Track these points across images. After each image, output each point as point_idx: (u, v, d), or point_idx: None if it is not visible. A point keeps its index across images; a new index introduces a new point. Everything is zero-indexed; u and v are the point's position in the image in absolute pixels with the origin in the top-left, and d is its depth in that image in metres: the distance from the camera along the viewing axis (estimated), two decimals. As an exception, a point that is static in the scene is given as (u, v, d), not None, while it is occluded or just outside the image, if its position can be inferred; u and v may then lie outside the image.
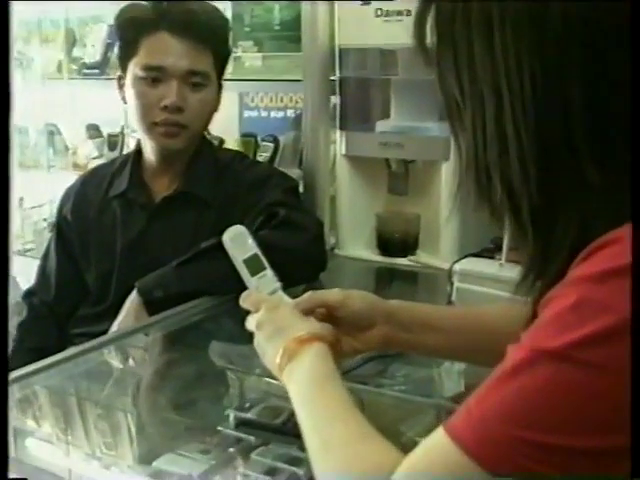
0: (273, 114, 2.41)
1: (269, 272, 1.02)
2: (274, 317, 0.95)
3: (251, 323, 0.96)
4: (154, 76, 1.64)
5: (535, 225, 0.71)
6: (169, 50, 1.64)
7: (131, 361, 1.49)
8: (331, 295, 1.01)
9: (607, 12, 0.66)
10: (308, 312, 0.98)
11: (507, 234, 1.05)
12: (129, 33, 1.67)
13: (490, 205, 0.74)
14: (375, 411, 1.14)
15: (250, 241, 1.03)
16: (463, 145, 0.75)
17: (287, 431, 0.90)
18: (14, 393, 1.19)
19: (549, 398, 0.60)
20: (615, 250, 0.62)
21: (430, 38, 0.75)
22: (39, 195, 2.82)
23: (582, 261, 0.64)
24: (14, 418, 1.14)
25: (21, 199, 2.87)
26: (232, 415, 1.00)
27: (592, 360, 0.59)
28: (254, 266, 1.01)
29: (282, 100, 2.37)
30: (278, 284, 1.03)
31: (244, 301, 1.00)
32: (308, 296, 1.00)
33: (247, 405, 1.02)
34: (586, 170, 0.67)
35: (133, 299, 1.52)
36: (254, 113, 2.44)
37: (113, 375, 1.39)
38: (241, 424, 0.99)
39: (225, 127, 2.31)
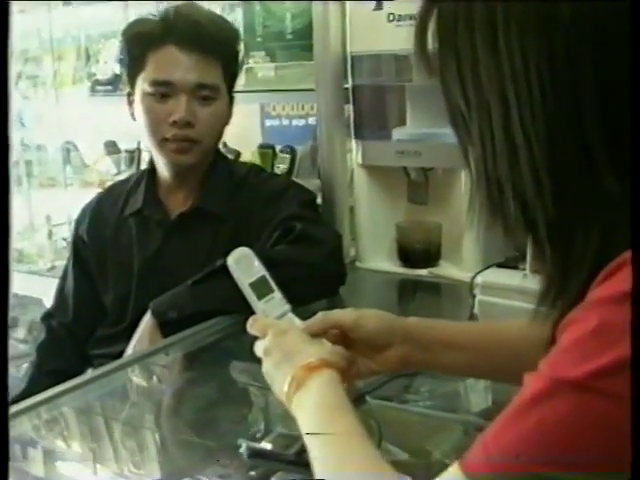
0: (295, 122, 2.39)
1: (277, 294, 0.99)
2: (282, 343, 0.91)
3: (259, 349, 0.93)
4: (162, 91, 1.61)
5: (552, 241, 0.67)
6: (177, 64, 1.61)
7: (154, 381, 1.46)
8: (344, 316, 0.98)
9: (619, 12, 0.61)
10: (320, 334, 0.95)
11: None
12: (136, 49, 1.65)
13: (504, 221, 0.70)
14: (400, 428, 1.12)
15: (257, 263, 0.99)
16: (472, 158, 0.71)
17: (300, 462, 0.86)
18: (41, 415, 1.20)
19: (571, 432, 0.56)
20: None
21: (432, 45, 0.71)
22: (59, 213, 2.81)
23: (602, 281, 0.60)
24: (43, 438, 1.15)
25: (48, 217, 2.87)
26: (244, 445, 0.97)
27: (617, 390, 0.55)
28: (261, 289, 0.98)
29: (303, 108, 2.34)
30: (287, 306, 0.99)
31: (251, 326, 0.96)
32: (319, 318, 0.97)
33: (259, 435, 0.99)
34: (604, 179, 0.63)
35: (147, 320, 1.49)
36: (276, 122, 2.42)
37: (137, 395, 1.38)
38: (253, 455, 0.96)
39: (247, 137, 2.30)
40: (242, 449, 0.97)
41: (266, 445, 0.97)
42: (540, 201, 0.65)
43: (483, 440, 0.61)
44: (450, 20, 0.68)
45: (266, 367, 0.91)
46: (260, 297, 0.97)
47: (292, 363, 0.86)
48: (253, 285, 0.98)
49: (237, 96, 1.74)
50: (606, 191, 0.62)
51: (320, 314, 0.97)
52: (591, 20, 0.62)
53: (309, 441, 0.79)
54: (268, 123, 2.44)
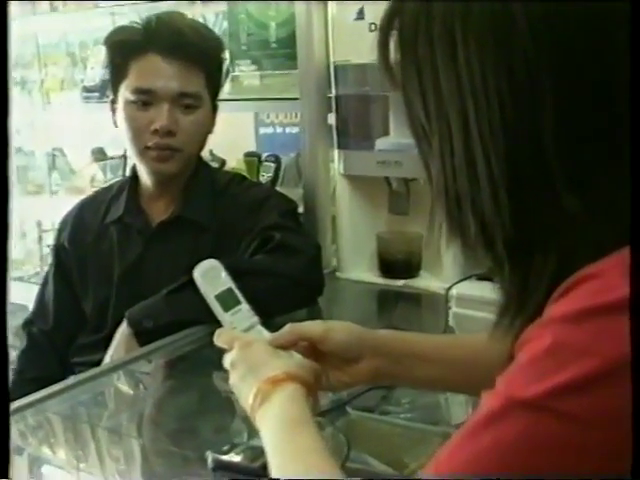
0: (288, 130, 2.38)
1: (244, 306, 0.98)
2: (247, 356, 0.90)
3: (227, 362, 0.92)
4: (144, 99, 1.61)
5: (511, 259, 0.66)
6: (159, 72, 1.61)
7: (137, 388, 1.47)
8: (312, 328, 0.97)
9: (578, 27, 0.61)
10: (289, 346, 0.94)
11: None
12: (118, 56, 1.64)
13: (462, 238, 0.69)
14: (379, 440, 1.12)
15: (224, 275, 0.99)
16: (433, 173, 0.70)
17: (267, 475, 0.85)
18: (27, 419, 1.20)
19: (524, 453, 0.55)
20: (595, 286, 0.57)
21: (394, 57, 0.71)
22: (45, 220, 2.81)
23: (558, 298, 0.59)
24: (29, 445, 1.15)
25: (39, 222, 2.86)
26: (210, 457, 0.96)
27: (571, 410, 0.54)
28: (227, 301, 0.97)
29: (296, 116, 2.33)
30: (255, 319, 0.98)
31: (217, 339, 0.95)
32: (287, 330, 0.96)
33: (227, 447, 0.98)
34: (563, 198, 0.62)
35: (123, 330, 1.49)
36: (269, 130, 2.42)
37: (119, 402, 1.38)
38: (218, 467, 0.95)
39: (240, 145, 2.30)
40: (209, 461, 0.97)
41: (233, 457, 0.96)
42: (498, 218, 0.64)
43: (436, 458, 0.60)
44: (411, 33, 0.68)
45: (232, 380, 0.90)
46: (226, 309, 0.97)
47: (257, 376, 0.85)
48: (219, 297, 0.97)
49: (223, 104, 1.74)
50: (565, 210, 0.62)
51: (288, 326, 0.96)
52: (549, 37, 0.61)
53: (270, 455, 0.78)
54: (262, 131, 2.43)
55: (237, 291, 0.98)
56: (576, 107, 0.61)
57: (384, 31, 0.71)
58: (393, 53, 0.71)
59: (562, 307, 0.58)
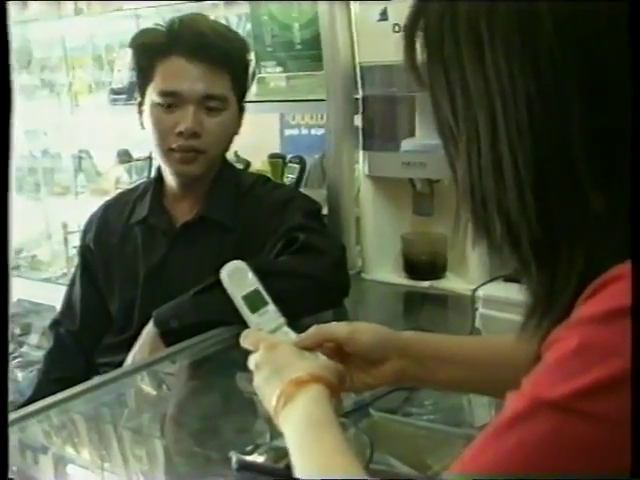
0: (314, 132, 2.39)
1: (271, 307, 0.98)
2: (272, 357, 0.90)
3: (251, 363, 0.92)
4: (170, 102, 1.62)
5: (537, 259, 0.66)
6: (184, 75, 1.61)
7: (161, 388, 1.47)
8: (338, 329, 0.96)
9: (604, 27, 0.61)
10: (314, 347, 0.94)
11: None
12: (144, 59, 1.65)
13: (488, 238, 0.69)
14: (402, 441, 1.12)
15: (250, 276, 0.99)
16: (458, 173, 0.70)
17: (290, 475, 0.85)
18: (51, 419, 1.21)
19: (549, 454, 0.55)
20: (622, 287, 0.56)
21: (421, 56, 0.70)
22: (71, 221, 2.83)
23: (586, 300, 0.59)
24: (53, 444, 1.16)
25: (64, 224, 2.89)
26: (234, 458, 0.96)
27: (598, 411, 0.54)
28: (254, 302, 0.97)
29: (322, 117, 2.34)
30: (282, 319, 0.98)
31: (244, 340, 0.95)
32: (313, 331, 0.96)
33: (250, 447, 0.98)
34: (589, 198, 0.62)
35: (149, 330, 1.50)
36: (295, 131, 2.42)
37: (144, 403, 1.38)
38: (243, 468, 0.95)
39: (265, 147, 2.31)
40: (233, 461, 0.97)
41: (257, 458, 0.97)
42: (524, 219, 0.64)
43: (461, 459, 0.60)
44: (436, 33, 0.68)
45: (257, 381, 0.90)
46: (253, 310, 0.97)
47: (281, 378, 0.85)
48: (246, 298, 0.97)
49: (250, 106, 1.74)
50: (592, 210, 0.62)
51: (313, 327, 0.96)
52: (575, 36, 0.61)
53: (294, 457, 0.78)
54: (287, 132, 2.44)
55: (264, 292, 0.98)
56: (602, 106, 0.61)
57: (409, 32, 0.71)
58: (419, 54, 0.70)
59: (590, 308, 0.58)
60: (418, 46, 0.71)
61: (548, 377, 0.57)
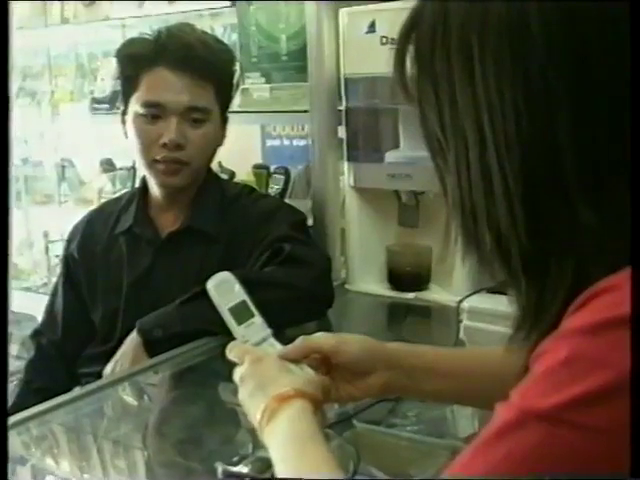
0: (295, 142, 2.39)
1: (258, 319, 0.98)
2: (257, 371, 0.90)
3: (236, 376, 0.92)
4: (153, 113, 1.61)
5: (527, 272, 0.66)
6: (168, 86, 1.61)
7: (143, 399, 1.46)
8: (324, 341, 0.96)
9: (596, 43, 0.61)
10: (300, 359, 0.94)
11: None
12: (129, 69, 1.64)
13: (478, 251, 0.69)
14: (386, 452, 1.12)
15: (237, 287, 0.98)
16: (448, 187, 0.70)
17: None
18: (31, 430, 1.19)
19: (538, 464, 0.55)
20: (611, 299, 0.57)
21: (410, 71, 0.71)
22: (53, 230, 2.81)
23: (575, 311, 0.59)
24: (32, 456, 1.14)
25: (45, 233, 2.87)
26: (220, 469, 0.96)
27: (587, 422, 0.54)
28: (241, 314, 0.97)
29: (303, 128, 2.34)
30: (268, 331, 0.98)
31: (229, 353, 0.95)
32: (299, 343, 0.95)
33: (236, 458, 0.98)
34: (579, 211, 0.62)
35: (132, 338, 1.49)
36: (276, 142, 2.42)
37: (125, 413, 1.37)
38: (228, 478, 0.95)
39: (247, 157, 2.30)
40: (218, 472, 0.96)
41: (242, 469, 0.96)
42: (514, 231, 0.64)
43: (450, 469, 0.60)
44: (427, 47, 0.68)
45: (241, 395, 0.90)
46: (240, 322, 0.96)
47: (265, 392, 0.85)
48: (232, 310, 0.97)
49: (233, 116, 1.74)
50: (582, 223, 0.62)
51: (300, 339, 0.96)
52: (567, 53, 0.61)
53: (279, 472, 0.78)
54: (269, 143, 2.44)
55: (250, 304, 0.98)
56: (592, 119, 0.61)
57: (401, 45, 0.71)
58: (409, 67, 0.71)
59: (578, 319, 0.58)
60: (408, 60, 0.71)
61: (537, 388, 0.57)
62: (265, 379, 0.88)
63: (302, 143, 2.37)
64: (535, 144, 0.62)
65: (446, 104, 0.67)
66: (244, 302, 0.98)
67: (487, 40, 0.63)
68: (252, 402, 0.87)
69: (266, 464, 0.93)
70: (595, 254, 0.61)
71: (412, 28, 0.70)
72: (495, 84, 0.63)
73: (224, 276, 0.99)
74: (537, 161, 0.63)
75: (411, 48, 0.71)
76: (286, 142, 2.42)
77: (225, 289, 0.98)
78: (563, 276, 0.63)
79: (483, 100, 0.64)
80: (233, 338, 0.97)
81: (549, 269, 0.64)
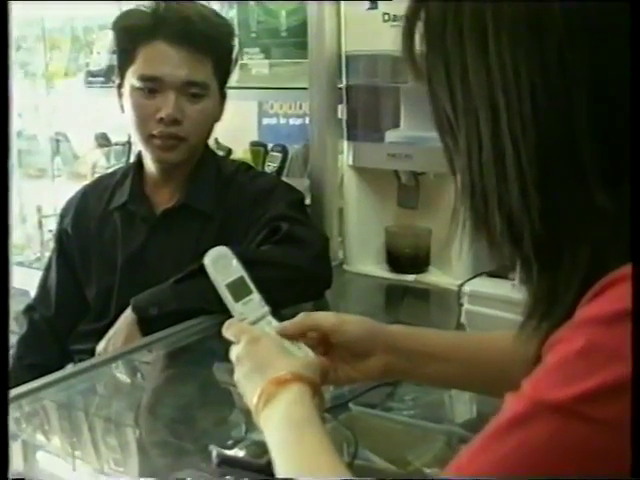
0: (292, 121, 2.37)
1: (256, 296, 0.95)
2: (254, 352, 0.88)
3: (233, 355, 0.90)
4: (150, 87, 1.59)
5: (539, 258, 0.64)
6: (166, 60, 1.58)
7: (136, 377, 1.46)
8: (324, 319, 0.95)
9: (615, 17, 0.59)
10: (296, 336, 0.92)
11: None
12: (125, 42, 1.62)
13: (489, 235, 0.67)
14: (382, 437, 1.11)
15: (235, 263, 0.95)
16: (458, 168, 0.68)
17: (272, 471, 0.84)
18: (22, 407, 1.18)
19: (550, 457, 0.53)
20: (627, 288, 0.54)
21: (420, 47, 0.68)
22: (47, 204, 2.79)
23: (591, 299, 0.57)
24: (23, 432, 1.14)
25: (39, 207, 2.84)
26: (215, 452, 0.94)
27: (600, 415, 0.52)
28: (238, 290, 0.94)
29: (301, 107, 2.32)
30: (266, 309, 0.95)
31: (226, 331, 0.93)
32: (298, 319, 0.94)
33: (231, 442, 0.96)
34: (595, 195, 0.60)
35: (127, 316, 1.48)
36: (273, 120, 2.40)
37: (118, 392, 1.36)
38: (223, 462, 0.93)
39: (243, 135, 2.28)
40: (213, 455, 0.95)
41: (238, 452, 0.95)
42: (527, 216, 0.62)
43: (458, 460, 0.58)
44: (438, 23, 0.66)
45: (237, 375, 0.88)
46: (237, 299, 0.94)
47: (262, 375, 0.83)
48: (230, 286, 0.94)
49: (231, 92, 1.72)
50: (597, 208, 0.60)
51: (301, 314, 0.95)
52: (585, 32, 0.59)
53: (276, 457, 0.77)
54: (265, 121, 2.42)
55: (249, 280, 0.95)
56: (611, 101, 0.59)
57: (410, 21, 0.69)
58: (419, 44, 0.68)
59: (595, 308, 0.56)
60: (417, 35, 0.68)
61: (550, 379, 0.56)
62: (262, 361, 0.86)
63: (299, 122, 2.35)
64: (551, 124, 0.60)
65: (457, 82, 0.65)
66: (242, 278, 0.95)
67: (502, 16, 0.61)
68: (248, 384, 0.85)
69: (262, 448, 0.91)
70: (611, 241, 0.59)
71: (422, 3, 0.68)
72: (511, 62, 0.60)
73: (221, 251, 0.96)
74: (553, 143, 0.60)
75: (419, 24, 0.68)
76: (282, 121, 2.40)
77: (223, 265, 0.95)
78: (577, 264, 0.61)
79: (498, 78, 0.61)
80: (229, 317, 0.95)
81: (562, 256, 0.62)
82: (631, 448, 0.51)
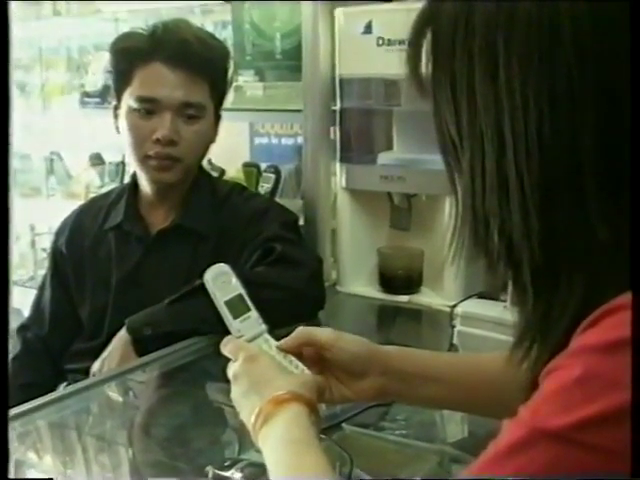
0: (284, 141, 2.38)
1: (254, 314, 0.96)
2: (251, 369, 0.88)
3: (230, 373, 0.90)
4: (147, 108, 1.60)
5: (536, 285, 0.64)
6: (163, 81, 1.59)
7: (130, 397, 1.45)
8: (322, 333, 0.95)
9: (625, 45, 0.59)
10: (295, 351, 0.93)
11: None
12: (123, 63, 1.63)
13: (487, 259, 0.67)
14: (374, 456, 1.11)
15: (234, 280, 0.96)
16: (460, 191, 0.68)
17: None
18: (16, 429, 1.17)
19: None
20: (625, 317, 0.55)
21: (425, 66, 0.68)
22: (41, 223, 2.79)
23: (588, 328, 0.57)
24: (16, 450, 1.13)
25: (32, 226, 2.84)
26: (211, 473, 0.94)
27: (598, 443, 0.53)
28: (237, 308, 0.95)
29: (292, 127, 2.33)
30: (263, 327, 0.96)
31: (224, 348, 0.93)
32: (296, 333, 0.95)
33: (228, 463, 0.96)
34: (595, 226, 0.60)
35: (121, 336, 1.48)
36: (264, 140, 2.41)
37: (112, 411, 1.36)
38: (219, 483, 0.93)
39: (235, 155, 2.29)
40: (209, 476, 0.95)
41: (234, 474, 0.94)
42: (527, 242, 0.62)
43: None
44: (447, 44, 0.65)
45: (234, 394, 0.88)
46: (236, 316, 0.95)
47: (260, 394, 0.84)
48: (229, 303, 0.95)
49: (225, 114, 1.73)
50: (596, 238, 0.60)
51: (299, 328, 0.95)
52: (595, 63, 0.59)
53: (274, 477, 0.77)
54: (257, 141, 2.43)
55: (247, 298, 0.96)
56: (616, 133, 0.60)
57: (416, 39, 0.69)
58: (424, 63, 0.68)
59: (593, 337, 0.57)
60: (423, 55, 0.69)
61: (548, 406, 0.56)
62: (260, 379, 0.86)
63: (291, 142, 2.36)
64: (556, 152, 0.60)
65: (464, 104, 0.65)
66: (240, 296, 0.96)
67: (514, 42, 0.61)
68: (246, 402, 0.85)
69: (259, 469, 0.92)
70: (608, 271, 0.60)
71: (428, 23, 0.68)
72: (520, 87, 0.61)
73: (222, 268, 0.97)
74: (557, 172, 0.61)
75: (425, 43, 0.68)
76: (274, 140, 2.41)
77: (222, 282, 0.96)
78: (573, 291, 0.62)
79: (505, 103, 0.61)
80: (223, 337, 0.96)
81: (559, 283, 0.63)
82: (631, 448, 0.52)
